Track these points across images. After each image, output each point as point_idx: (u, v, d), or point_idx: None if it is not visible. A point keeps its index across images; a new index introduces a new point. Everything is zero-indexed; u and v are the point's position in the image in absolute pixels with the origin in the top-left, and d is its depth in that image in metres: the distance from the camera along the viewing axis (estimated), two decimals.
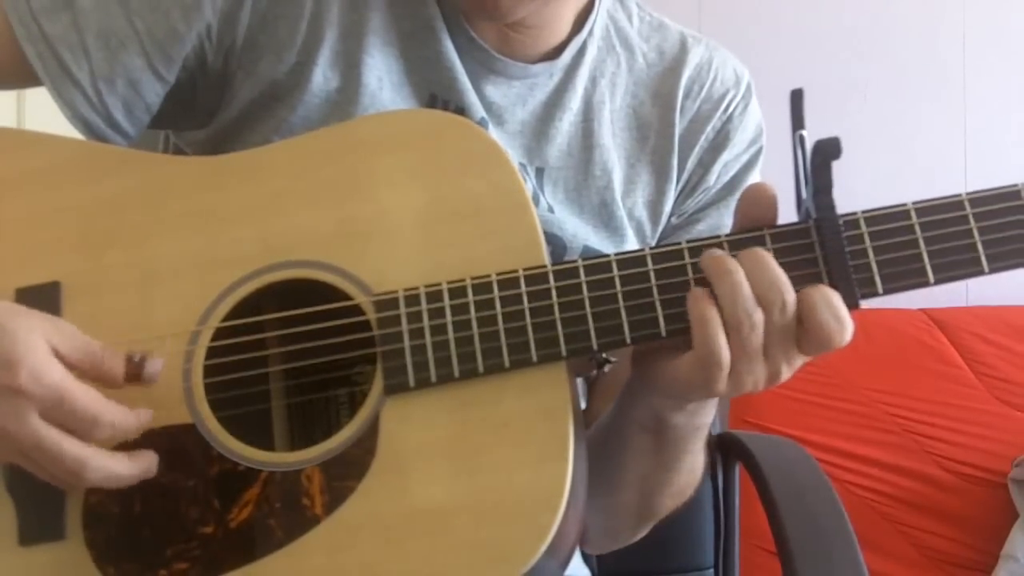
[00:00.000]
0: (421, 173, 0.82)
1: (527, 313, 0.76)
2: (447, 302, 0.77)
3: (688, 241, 0.77)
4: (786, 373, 0.75)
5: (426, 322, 0.77)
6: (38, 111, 1.14)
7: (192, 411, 0.78)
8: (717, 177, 1.04)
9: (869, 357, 2.28)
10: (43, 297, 0.80)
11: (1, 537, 0.78)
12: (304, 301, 0.79)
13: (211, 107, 0.95)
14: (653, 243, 1.02)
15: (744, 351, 0.73)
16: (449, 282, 0.77)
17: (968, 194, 0.75)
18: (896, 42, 2.59)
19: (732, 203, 1.03)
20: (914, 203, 0.75)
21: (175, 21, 0.90)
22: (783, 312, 0.72)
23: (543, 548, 0.72)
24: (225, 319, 0.80)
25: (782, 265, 0.73)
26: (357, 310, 0.78)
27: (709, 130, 1.03)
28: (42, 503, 0.78)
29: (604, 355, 0.81)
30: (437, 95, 0.95)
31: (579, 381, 1.00)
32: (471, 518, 0.73)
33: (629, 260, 0.77)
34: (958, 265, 0.74)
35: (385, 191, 0.81)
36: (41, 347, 0.71)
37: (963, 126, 2.59)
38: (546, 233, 0.81)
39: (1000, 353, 2.32)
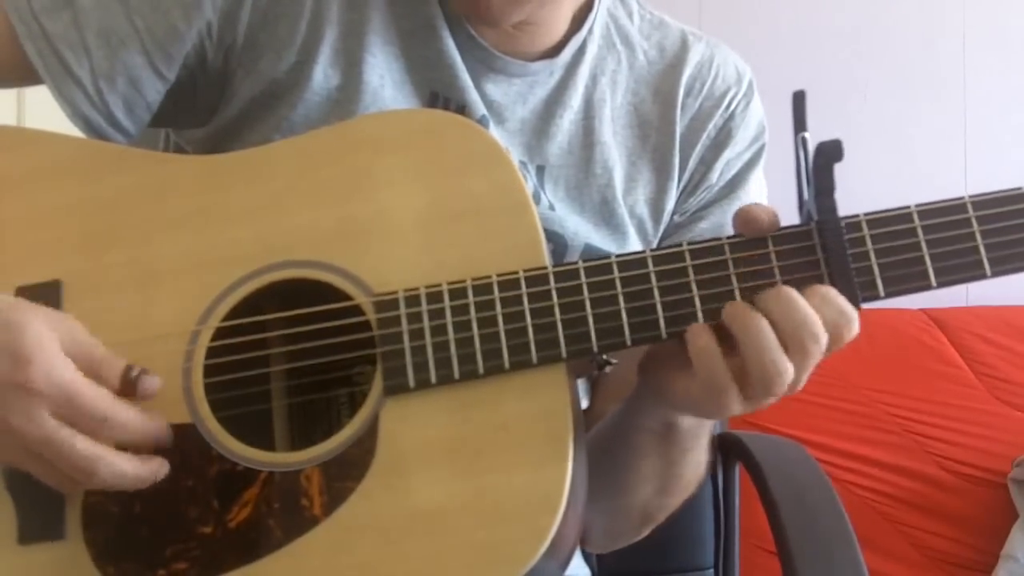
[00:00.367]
0: (422, 173, 0.82)
1: (527, 314, 0.76)
2: (447, 303, 0.77)
3: (689, 242, 0.77)
4: (802, 382, 0.75)
5: (426, 323, 0.77)
6: (38, 109, 1.14)
7: (191, 411, 0.78)
8: (720, 175, 1.03)
9: (869, 357, 2.28)
10: (44, 296, 0.80)
11: (1, 536, 0.78)
12: (304, 301, 0.79)
13: (211, 105, 0.95)
14: (655, 241, 1.02)
15: (771, 394, 0.73)
16: (449, 283, 0.77)
17: (971, 197, 0.74)
18: (896, 42, 2.59)
19: (734, 202, 1.03)
20: (916, 206, 0.75)
21: (175, 19, 0.90)
22: (817, 348, 0.72)
23: (542, 550, 0.72)
24: (225, 319, 0.80)
25: (783, 267, 0.73)
26: (357, 310, 0.78)
27: (711, 128, 1.03)
28: (42, 502, 0.77)
29: (604, 356, 0.81)
30: (438, 93, 0.95)
31: (582, 380, 1.00)
32: (470, 519, 0.73)
33: (630, 262, 0.77)
34: (960, 268, 0.74)
35: (385, 191, 0.81)
36: (51, 343, 0.71)
37: (963, 126, 2.59)
38: (547, 231, 0.81)
39: (1000, 353, 2.32)
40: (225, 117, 0.95)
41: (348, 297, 0.79)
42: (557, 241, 0.96)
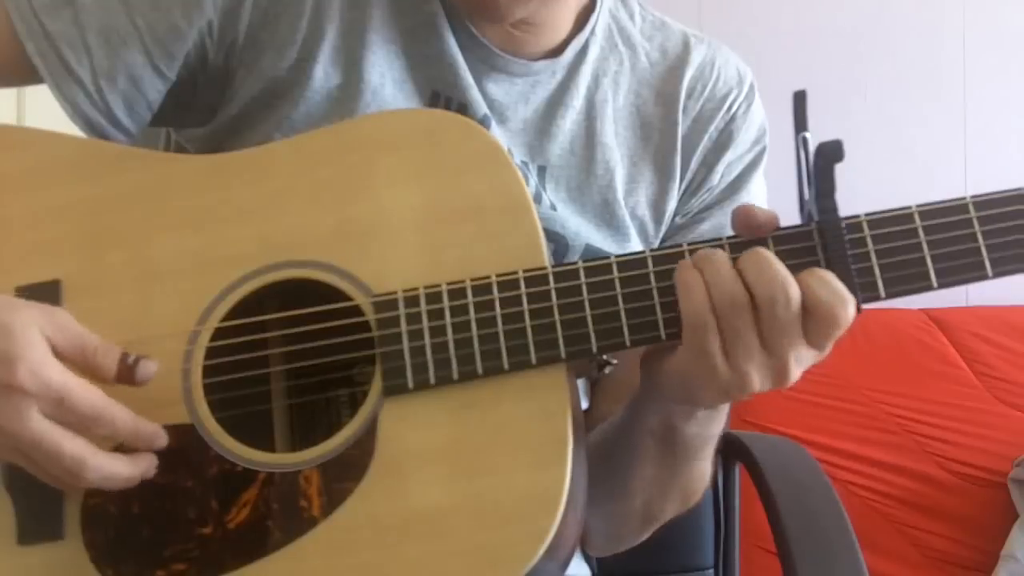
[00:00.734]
0: (422, 173, 0.82)
1: (527, 315, 0.76)
2: (446, 303, 0.77)
3: (689, 243, 0.77)
4: (795, 370, 0.74)
5: (425, 323, 0.77)
6: (38, 109, 1.14)
7: (191, 411, 0.78)
8: (721, 177, 1.03)
9: (869, 357, 2.28)
10: (43, 296, 0.80)
11: (0, 537, 0.78)
12: (304, 301, 0.79)
13: (212, 104, 0.95)
14: (656, 242, 1.02)
15: (735, 333, 0.72)
16: (449, 283, 0.77)
17: (972, 197, 0.74)
18: (896, 42, 2.59)
19: (736, 203, 1.02)
20: (918, 206, 0.75)
21: (176, 18, 0.90)
22: (787, 307, 0.71)
23: (542, 551, 0.72)
24: (224, 319, 0.80)
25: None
26: (357, 310, 0.78)
27: (712, 130, 1.03)
28: (41, 503, 0.77)
29: (604, 357, 0.81)
30: (439, 92, 0.95)
31: (582, 381, 1.00)
32: (469, 521, 0.73)
33: (629, 262, 0.77)
34: (962, 269, 0.74)
35: (385, 191, 0.81)
36: (39, 342, 0.71)
37: (963, 126, 2.59)
38: (548, 231, 0.81)
39: (1000, 353, 2.32)
40: (226, 116, 0.94)
41: (347, 297, 0.79)
42: (558, 241, 0.96)
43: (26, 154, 0.87)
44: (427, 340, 0.76)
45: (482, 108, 0.95)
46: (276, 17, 0.92)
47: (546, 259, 0.79)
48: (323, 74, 0.92)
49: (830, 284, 0.71)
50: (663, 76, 1.03)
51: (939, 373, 2.30)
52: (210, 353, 0.79)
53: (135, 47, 0.89)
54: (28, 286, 0.81)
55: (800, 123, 0.76)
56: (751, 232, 0.76)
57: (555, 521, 0.73)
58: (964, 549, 2.20)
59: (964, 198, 0.74)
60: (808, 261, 0.74)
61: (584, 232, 0.97)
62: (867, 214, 0.75)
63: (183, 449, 0.77)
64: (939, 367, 2.31)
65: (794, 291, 0.71)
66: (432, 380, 0.76)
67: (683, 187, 1.03)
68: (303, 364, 0.82)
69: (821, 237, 0.74)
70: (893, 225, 0.75)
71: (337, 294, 0.79)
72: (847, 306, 0.71)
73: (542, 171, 0.97)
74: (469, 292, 0.77)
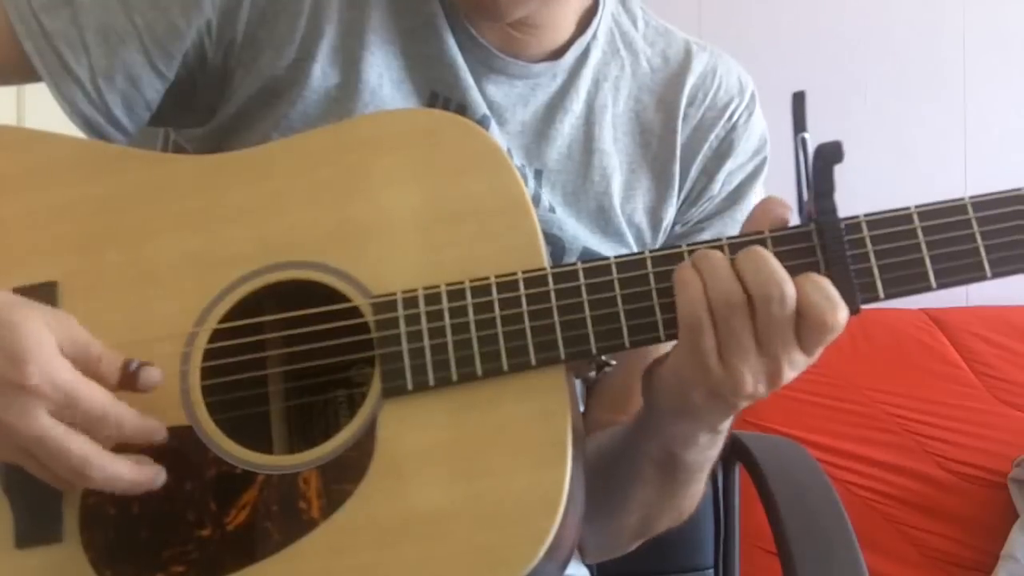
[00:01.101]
0: (420, 173, 0.81)
1: (526, 316, 0.76)
2: (445, 305, 0.77)
3: (689, 244, 0.76)
4: (788, 373, 0.74)
5: (424, 325, 0.77)
6: (38, 109, 1.14)
7: (189, 413, 0.78)
8: (721, 186, 1.03)
9: (869, 357, 2.28)
10: (40, 297, 0.79)
11: None
12: (303, 302, 0.79)
13: (211, 103, 0.95)
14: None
15: (730, 331, 0.72)
16: (448, 284, 0.77)
17: (971, 198, 0.74)
18: (896, 42, 2.59)
19: (736, 214, 1.03)
20: (916, 207, 0.75)
21: (175, 17, 0.89)
22: (782, 305, 0.71)
23: (542, 552, 0.72)
24: (223, 320, 0.80)
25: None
26: (356, 312, 0.78)
27: (712, 138, 1.03)
28: (39, 505, 0.77)
29: (603, 358, 0.81)
30: (438, 93, 0.95)
31: (578, 384, 1.00)
32: (469, 522, 0.73)
33: (629, 263, 0.76)
34: (961, 270, 0.74)
35: (384, 191, 0.81)
36: (49, 342, 0.71)
37: (963, 126, 2.59)
38: (546, 234, 0.81)
39: (1000, 353, 2.32)
40: (224, 115, 0.94)
41: (346, 299, 0.78)
42: (556, 244, 0.96)
43: (24, 154, 0.87)
44: (426, 341, 0.76)
45: (481, 109, 0.95)
46: (274, 16, 0.92)
47: (545, 260, 0.79)
48: (321, 74, 0.92)
49: (823, 289, 0.71)
50: (664, 83, 1.03)
51: (939, 373, 2.30)
52: (208, 355, 0.79)
53: (134, 46, 0.89)
54: (25, 287, 0.81)
55: (799, 124, 0.76)
56: (765, 223, 0.76)
57: (555, 522, 0.72)
58: (964, 549, 2.20)
59: (963, 199, 0.74)
60: (807, 262, 0.74)
61: (581, 236, 0.97)
62: (866, 215, 0.75)
63: (181, 451, 0.77)
64: (939, 367, 2.31)
65: (789, 289, 0.71)
66: (431, 381, 0.76)
67: (682, 195, 1.03)
68: (301, 366, 0.82)
69: (820, 238, 0.74)
70: (892, 226, 0.74)
71: (336, 295, 0.79)
72: (837, 312, 0.71)
73: (539, 174, 0.97)
74: (468, 293, 0.77)
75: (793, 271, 0.72)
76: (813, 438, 2.20)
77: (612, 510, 0.94)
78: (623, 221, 1.00)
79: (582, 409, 1.01)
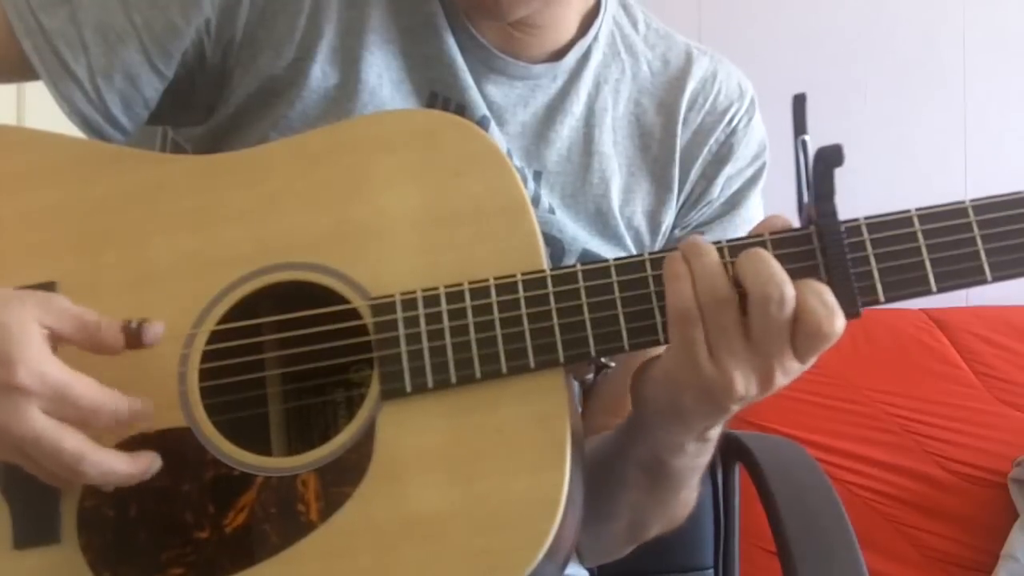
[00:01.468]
0: (419, 174, 0.81)
1: (525, 318, 0.76)
2: (444, 307, 0.76)
3: None
4: (780, 378, 0.73)
5: (423, 327, 0.76)
6: (38, 108, 1.14)
7: (187, 415, 0.77)
8: (720, 190, 1.03)
9: (869, 357, 2.29)
10: None
11: None
12: (301, 303, 0.79)
13: (210, 103, 0.95)
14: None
15: (720, 327, 0.72)
16: (446, 286, 0.77)
17: (972, 201, 0.74)
18: (896, 42, 2.59)
19: (735, 219, 1.03)
20: (917, 210, 0.74)
21: (174, 16, 0.89)
22: (781, 306, 0.71)
23: (541, 555, 0.72)
24: (221, 321, 0.79)
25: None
26: (354, 314, 0.78)
27: (712, 143, 1.03)
28: (37, 506, 0.77)
29: (602, 360, 0.80)
30: (438, 93, 0.95)
31: (576, 387, 1.00)
32: (468, 525, 0.73)
33: (627, 265, 0.76)
34: (961, 273, 0.73)
35: (383, 192, 0.81)
36: (36, 339, 0.70)
37: (963, 126, 2.59)
38: (545, 235, 0.81)
39: (1000, 353, 2.32)
40: (223, 115, 0.94)
41: (344, 300, 0.78)
42: (555, 246, 0.96)
43: (23, 154, 0.87)
44: (425, 344, 0.76)
45: (481, 109, 0.95)
46: (274, 15, 0.92)
47: (544, 262, 0.78)
48: (320, 74, 0.92)
49: (822, 295, 0.71)
50: (664, 86, 1.03)
51: (939, 373, 2.30)
52: (207, 356, 0.79)
53: (132, 45, 0.89)
54: (24, 288, 0.80)
55: (799, 126, 0.76)
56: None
57: (554, 525, 0.72)
58: (964, 549, 2.20)
59: (963, 202, 0.74)
60: (807, 265, 0.74)
61: (581, 238, 0.97)
62: (866, 218, 0.75)
63: (180, 453, 0.77)
64: (939, 367, 2.31)
65: (789, 291, 0.71)
66: (430, 384, 0.76)
67: (681, 199, 1.03)
68: (300, 367, 0.81)
69: (820, 241, 0.74)
70: (892, 229, 0.74)
71: (334, 297, 0.79)
72: (835, 320, 0.71)
73: (538, 176, 0.97)
74: (467, 295, 0.77)
75: (793, 274, 0.72)
76: (813, 438, 2.21)
77: (602, 514, 0.93)
78: (622, 224, 0.99)
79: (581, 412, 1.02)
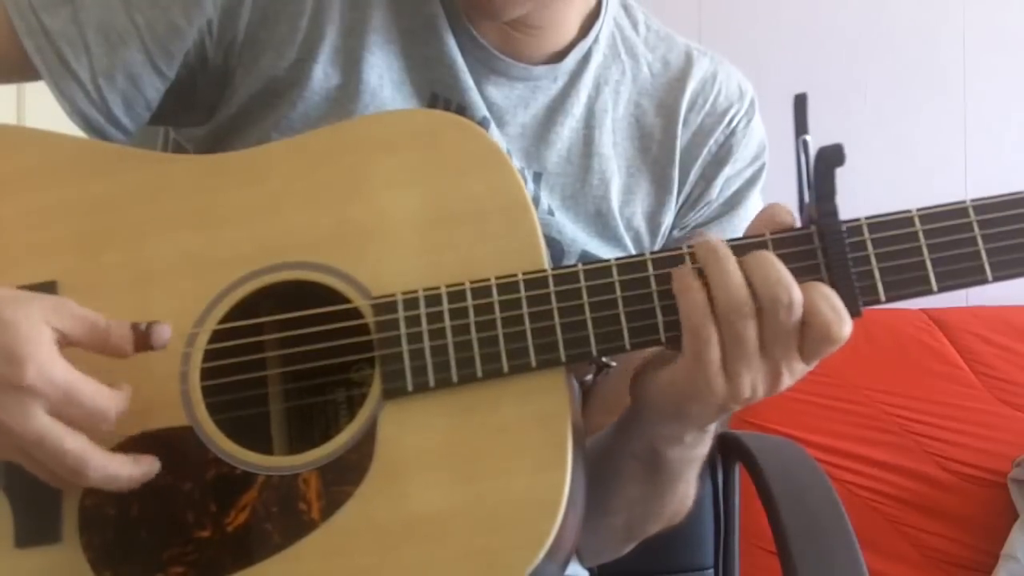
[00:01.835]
0: (420, 174, 0.81)
1: (526, 318, 0.76)
2: (446, 306, 0.77)
3: (689, 246, 0.76)
4: (787, 379, 0.74)
5: (424, 326, 0.76)
6: (38, 108, 1.14)
7: (189, 414, 0.78)
8: (719, 191, 1.03)
9: (869, 357, 2.28)
10: None
11: None
12: (302, 303, 0.79)
13: (211, 103, 0.95)
14: None
15: (737, 340, 0.72)
16: (448, 286, 0.77)
17: (972, 201, 0.74)
18: (896, 42, 2.59)
19: (734, 220, 1.03)
20: (918, 210, 0.74)
21: (175, 16, 0.89)
22: (789, 311, 0.71)
23: (542, 554, 0.72)
24: (222, 321, 0.79)
25: None
26: (356, 313, 0.78)
27: (711, 143, 1.03)
28: (38, 505, 0.77)
29: (603, 359, 0.80)
30: (438, 94, 0.95)
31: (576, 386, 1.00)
32: (469, 524, 0.73)
33: (629, 265, 0.76)
34: (962, 273, 0.74)
35: (384, 192, 0.81)
36: (46, 339, 0.71)
37: (963, 126, 2.59)
38: (545, 236, 0.81)
39: (1000, 353, 2.32)
40: (225, 115, 0.94)
41: (346, 300, 0.78)
42: (554, 247, 0.96)
43: (24, 154, 0.87)
44: (426, 343, 0.76)
45: (481, 110, 0.95)
46: (276, 16, 0.92)
47: (545, 261, 0.78)
48: (322, 75, 0.92)
49: (830, 300, 0.71)
50: (664, 87, 1.03)
51: (939, 373, 2.30)
52: (208, 355, 0.79)
53: (134, 46, 0.89)
54: (25, 286, 0.80)
55: (800, 126, 0.76)
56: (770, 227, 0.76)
57: (555, 524, 0.72)
58: (964, 549, 2.20)
59: (964, 202, 0.74)
60: (808, 265, 0.74)
61: (580, 239, 0.97)
62: (867, 218, 0.75)
63: (181, 452, 0.77)
64: (939, 367, 2.31)
65: (797, 295, 0.71)
66: (431, 383, 0.76)
67: (681, 200, 1.03)
68: (301, 366, 0.82)
69: (821, 241, 0.74)
70: (893, 229, 0.74)
71: (336, 296, 0.79)
72: (844, 325, 0.71)
73: (538, 177, 0.97)
74: (468, 295, 0.77)
75: (795, 274, 0.72)
76: (813, 438, 2.20)
77: (599, 510, 0.93)
78: (621, 225, 1.00)
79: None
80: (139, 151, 0.88)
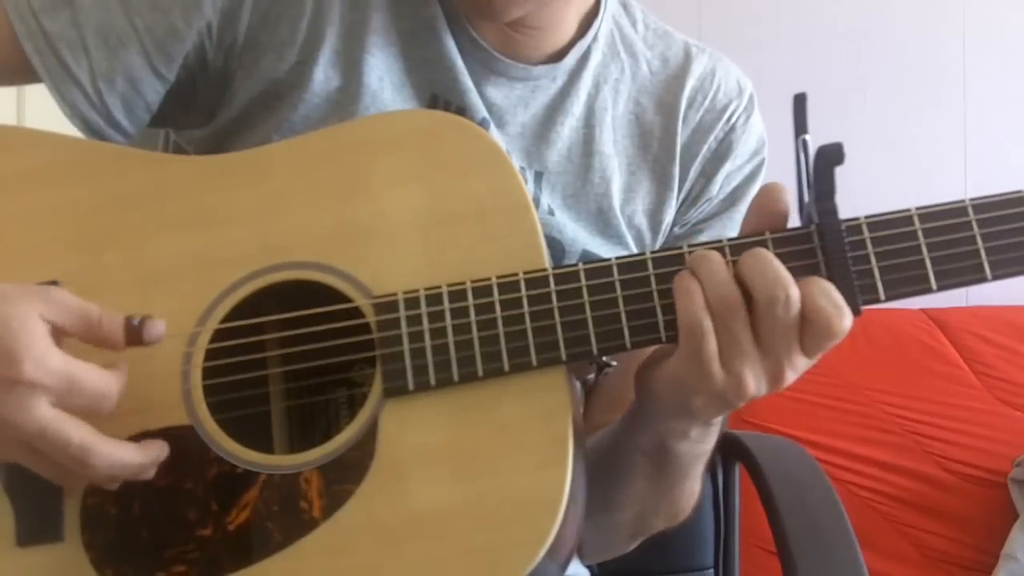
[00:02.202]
0: (421, 174, 0.81)
1: (527, 317, 0.76)
2: (447, 305, 0.77)
3: (689, 245, 0.76)
4: (789, 375, 0.74)
5: (426, 325, 0.77)
6: (38, 109, 1.14)
7: (190, 413, 0.78)
8: (719, 188, 1.03)
9: (869, 357, 2.28)
10: None
11: None
12: (304, 302, 0.79)
13: (211, 106, 0.95)
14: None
15: (731, 335, 0.72)
16: (449, 285, 0.77)
17: (972, 200, 0.74)
18: (896, 42, 2.59)
19: (735, 215, 1.03)
20: (917, 209, 0.75)
21: (175, 19, 0.89)
22: (787, 308, 0.71)
23: (542, 552, 0.72)
24: (224, 320, 0.80)
25: None
26: (357, 312, 0.78)
27: (711, 140, 1.03)
28: (40, 504, 0.77)
29: (604, 359, 0.81)
30: (438, 95, 0.95)
31: (578, 386, 1.00)
32: (470, 522, 0.73)
33: (630, 264, 0.76)
34: (961, 272, 0.74)
35: (385, 192, 0.81)
36: (39, 332, 0.70)
37: (963, 126, 2.59)
38: (546, 236, 0.81)
39: (1000, 353, 2.32)
40: (225, 117, 0.94)
41: (347, 299, 0.79)
42: (555, 247, 0.96)
43: (25, 155, 0.87)
44: (427, 342, 0.76)
45: (481, 112, 0.95)
46: (276, 19, 0.92)
47: (546, 260, 0.79)
48: (323, 77, 0.92)
49: (830, 294, 0.71)
50: (664, 85, 1.03)
51: (939, 373, 2.30)
52: (210, 355, 0.79)
53: (134, 49, 0.89)
54: None
55: (800, 126, 0.76)
56: (775, 209, 0.76)
57: (556, 522, 0.73)
58: (964, 549, 2.20)
59: (963, 201, 0.74)
60: (808, 263, 0.74)
61: (581, 238, 0.97)
62: (867, 216, 0.75)
63: (183, 451, 0.77)
64: (939, 367, 2.31)
65: (794, 292, 0.71)
66: (433, 382, 0.76)
67: (681, 197, 1.03)
68: (303, 366, 0.82)
69: (821, 239, 0.74)
70: (892, 228, 0.74)
71: (337, 295, 0.79)
72: (843, 318, 0.71)
73: (539, 177, 0.97)
74: (469, 294, 0.77)
75: (794, 273, 0.72)
76: (813, 438, 2.21)
77: (605, 506, 0.94)
78: (623, 223, 1.00)
79: (582, 412, 1.02)
80: (140, 152, 0.88)
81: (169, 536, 0.76)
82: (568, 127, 0.99)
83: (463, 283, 0.77)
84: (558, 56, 0.98)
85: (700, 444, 0.86)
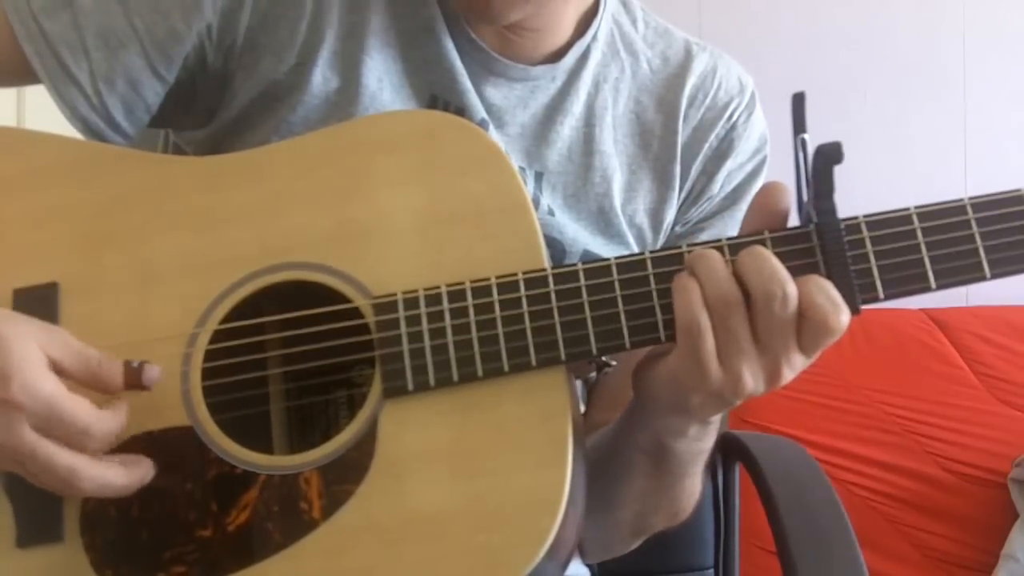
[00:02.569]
0: (420, 174, 0.81)
1: (526, 317, 0.76)
2: (446, 305, 0.77)
3: (689, 245, 0.76)
4: (787, 373, 0.74)
5: (425, 325, 0.77)
6: (38, 109, 1.14)
7: (190, 414, 0.78)
8: (721, 186, 1.03)
9: (869, 357, 2.28)
10: (41, 298, 0.80)
11: None
12: (303, 303, 0.79)
13: (211, 107, 0.95)
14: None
15: (729, 332, 0.72)
16: (448, 285, 0.77)
17: (971, 199, 0.74)
18: (896, 42, 2.59)
19: (736, 213, 1.03)
20: (916, 207, 0.75)
21: (175, 21, 0.89)
22: (784, 304, 0.71)
23: (542, 552, 0.72)
24: (223, 321, 0.80)
25: None
26: (356, 313, 0.78)
27: (712, 138, 1.03)
28: (40, 505, 0.77)
29: (604, 358, 0.81)
30: (438, 96, 0.95)
31: (578, 385, 1.00)
32: (469, 523, 0.73)
33: (629, 264, 0.76)
34: (960, 270, 0.74)
35: (384, 192, 0.81)
36: (35, 357, 0.70)
37: (963, 126, 2.59)
38: (545, 236, 0.81)
39: (1000, 353, 2.32)
40: (224, 118, 0.94)
41: (347, 299, 0.79)
42: (555, 247, 0.96)
43: (25, 156, 0.87)
44: (427, 342, 0.76)
45: (480, 112, 0.95)
46: (275, 20, 0.92)
47: (545, 260, 0.79)
48: (322, 78, 0.92)
49: (826, 291, 0.71)
50: (664, 84, 1.03)
51: (939, 373, 2.30)
52: (209, 355, 0.79)
53: (134, 50, 0.89)
54: (26, 288, 0.81)
55: (799, 125, 0.76)
56: (776, 207, 0.76)
57: (556, 522, 0.72)
58: (964, 549, 2.20)
59: (962, 199, 0.74)
60: (807, 263, 0.74)
61: (581, 238, 0.97)
62: (866, 216, 0.75)
63: (182, 451, 0.77)
64: (939, 367, 2.31)
65: (791, 289, 0.71)
66: (432, 382, 0.76)
67: (682, 196, 1.03)
68: (302, 366, 0.82)
69: (820, 239, 0.74)
70: (891, 227, 0.74)
71: (336, 296, 0.79)
72: (840, 315, 0.71)
73: (539, 177, 0.97)
74: (469, 294, 0.77)
75: (793, 272, 0.72)
76: (813, 438, 2.21)
77: (606, 504, 0.94)
78: (624, 222, 1.00)
79: (583, 411, 1.02)
80: (140, 152, 0.88)
81: (169, 537, 0.76)
82: (568, 127, 0.98)
83: (462, 283, 0.77)
84: (557, 56, 0.98)
85: (698, 442, 0.86)
